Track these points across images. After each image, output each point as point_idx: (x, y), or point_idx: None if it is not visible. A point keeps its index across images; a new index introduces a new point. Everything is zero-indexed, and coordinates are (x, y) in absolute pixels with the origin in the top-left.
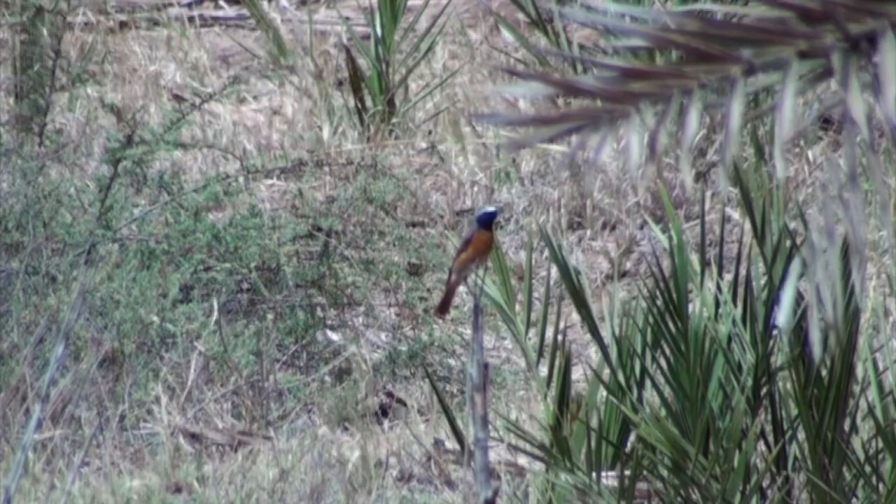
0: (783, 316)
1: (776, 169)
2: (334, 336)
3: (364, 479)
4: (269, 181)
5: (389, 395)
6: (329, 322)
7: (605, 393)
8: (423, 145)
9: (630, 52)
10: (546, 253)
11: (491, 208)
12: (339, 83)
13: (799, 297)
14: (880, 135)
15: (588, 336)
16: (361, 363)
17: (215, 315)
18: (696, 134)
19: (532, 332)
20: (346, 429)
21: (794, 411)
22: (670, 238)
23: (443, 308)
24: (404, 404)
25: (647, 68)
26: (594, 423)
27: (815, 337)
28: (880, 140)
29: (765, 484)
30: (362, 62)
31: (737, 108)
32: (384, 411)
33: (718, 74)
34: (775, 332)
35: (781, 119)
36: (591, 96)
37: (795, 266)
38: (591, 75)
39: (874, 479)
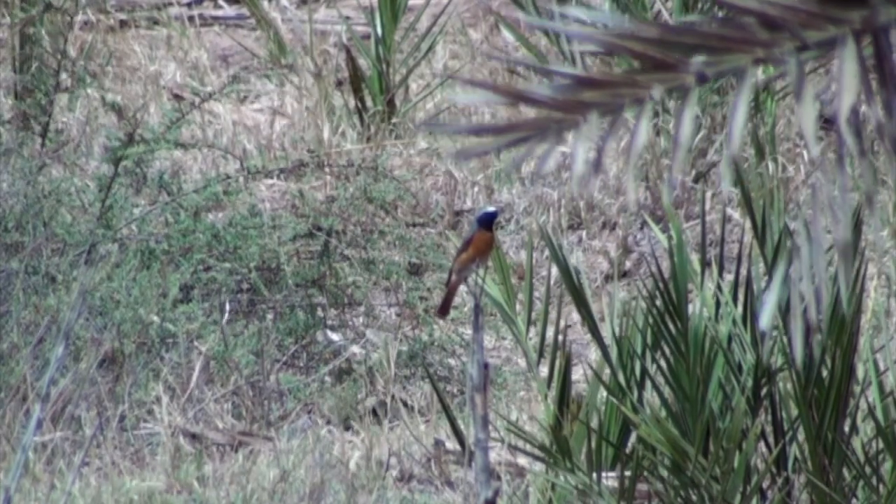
0: (765, 318)
1: (722, 182)
2: (334, 336)
3: (364, 479)
4: (270, 181)
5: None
6: (329, 322)
7: (605, 393)
8: (424, 145)
9: (588, 57)
10: (546, 253)
11: (491, 209)
12: (339, 83)
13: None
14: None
15: (588, 336)
16: (366, 361)
17: (226, 316)
18: (644, 143)
19: (532, 332)
20: (346, 429)
21: (795, 412)
22: (670, 238)
23: (444, 309)
24: (406, 405)
25: (600, 77)
26: (594, 423)
27: (797, 340)
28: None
29: (765, 485)
30: (362, 62)
31: (688, 117)
32: (384, 411)
33: (671, 83)
34: (761, 332)
35: (732, 131)
36: (541, 105)
37: (781, 268)
38: (545, 83)
39: (874, 480)
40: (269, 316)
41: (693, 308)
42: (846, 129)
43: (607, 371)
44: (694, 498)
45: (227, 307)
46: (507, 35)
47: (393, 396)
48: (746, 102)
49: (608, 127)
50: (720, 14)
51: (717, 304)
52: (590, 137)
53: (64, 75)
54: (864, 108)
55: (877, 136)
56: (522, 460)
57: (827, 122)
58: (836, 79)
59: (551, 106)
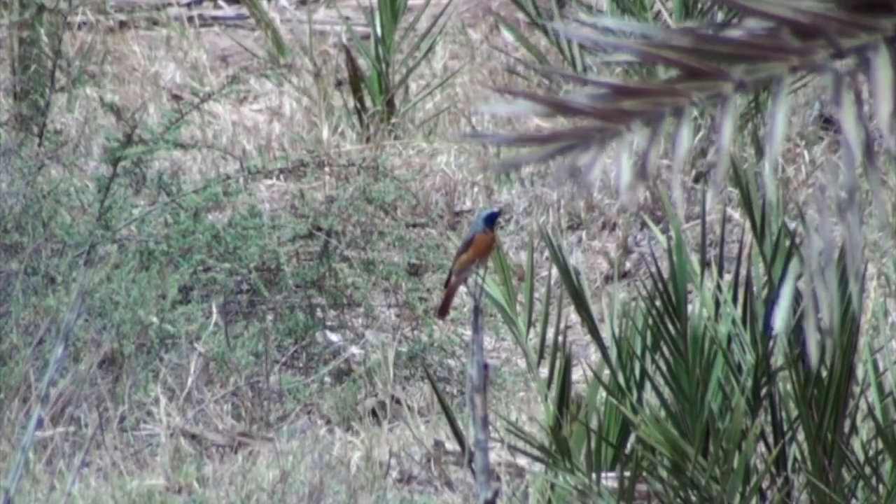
0: (780, 319)
1: (765, 187)
2: (334, 337)
3: (364, 480)
4: (269, 181)
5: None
6: (329, 323)
7: (604, 394)
8: (423, 145)
9: (621, 68)
10: (546, 253)
11: (491, 209)
12: (339, 83)
13: (796, 299)
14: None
15: (588, 337)
16: (365, 362)
17: (214, 317)
18: (688, 150)
19: (532, 332)
20: (346, 430)
21: (794, 412)
22: (669, 238)
23: (443, 311)
24: (399, 403)
25: (638, 86)
26: (594, 424)
27: (812, 342)
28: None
29: (764, 485)
30: (362, 62)
31: (728, 126)
32: (384, 413)
33: (710, 92)
34: (773, 334)
35: (773, 136)
36: (581, 115)
37: (792, 269)
38: (583, 92)
39: (874, 481)
40: (269, 317)
41: (693, 308)
42: (888, 133)
43: (607, 372)
44: (693, 498)
45: (217, 309)
46: (507, 35)
47: (393, 397)
48: (785, 109)
49: (650, 135)
50: (722, 16)
51: (717, 304)
52: (635, 146)
53: (60, 76)
54: (866, 108)
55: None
56: (522, 461)
57: (826, 122)
58: (871, 86)
59: (592, 115)
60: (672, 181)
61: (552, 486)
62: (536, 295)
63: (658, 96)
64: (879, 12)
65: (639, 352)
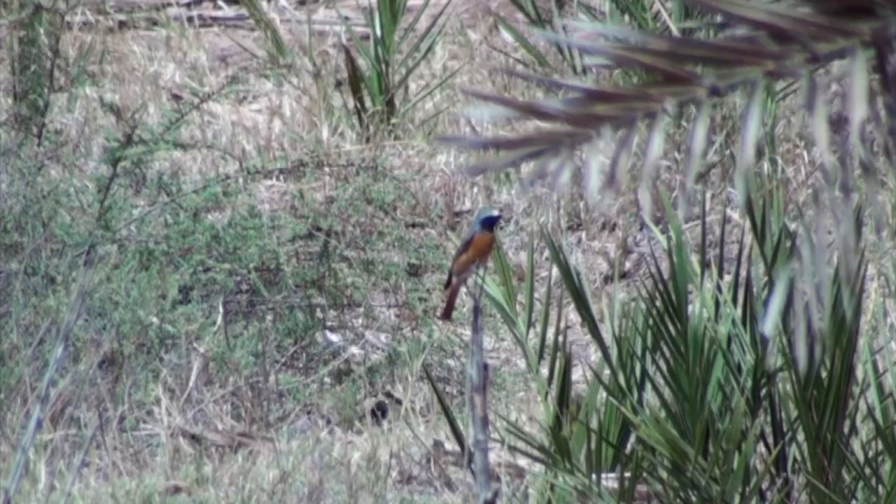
0: (770, 323)
1: (736, 196)
2: (333, 337)
3: (364, 480)
4: (269, 182)
5: (389, 395)
6: (328, 323)
7: (605, 394)
8: (423, 146)
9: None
10: (546, 254)
11: (492, 212)
12: (339, 83)
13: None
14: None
15: (588, 337)
16: (365, 362)
17: (220, 319)
18: (659, 157)
19: (531, 332)
20: (346, 430)
21: (794, 413)
22: (669, 239)
23: (447, 312)
24: (399, 402)
25: (611, 90)
26: (594, 424)
27: (800, 346)
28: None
29: (764, 486)
30: (361, 62)
31: (701, 132)
32: (383, 412)
33: (684, 96)
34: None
35: (745, 142)
36: (553, 119)
37: (784, 273)
38: (556, 97)
39: (874, 481)
40: (269, 317)
41: (693, 309)
42: (858, 141)
43: (607, 372)
44: (693, 499)
45: (222, 309)
46: (506, 35)
47: (392, 397)
48: (759, 115)
49: (621, 140)
50: (719, 20)
51: (717, 304)
52: (603, 151)
53: (60, 76)
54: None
55: (876, 132)
56: (522, 461)
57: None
58: (846, 90)
59: (563, 119)
60: (641, 191)
61: (552, 487)
62: (536, 295)
63: (631, 101)
64: (858, 16)
65: (639, 352)
